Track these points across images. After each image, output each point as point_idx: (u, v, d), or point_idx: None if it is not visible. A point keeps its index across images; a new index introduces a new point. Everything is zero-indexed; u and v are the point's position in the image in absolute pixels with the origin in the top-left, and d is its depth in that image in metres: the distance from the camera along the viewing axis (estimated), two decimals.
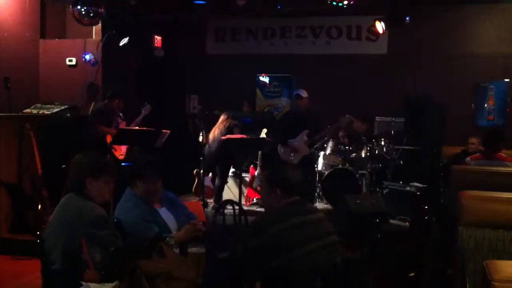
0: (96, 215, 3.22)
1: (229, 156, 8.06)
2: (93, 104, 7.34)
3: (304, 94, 7.78)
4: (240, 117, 9.23)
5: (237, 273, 3.21)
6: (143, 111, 7.39)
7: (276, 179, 3.26)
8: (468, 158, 6.28)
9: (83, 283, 2.86)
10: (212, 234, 4.20)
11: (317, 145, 8.53)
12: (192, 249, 3.45)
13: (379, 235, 5.35)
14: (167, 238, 3.47)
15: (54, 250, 3.20)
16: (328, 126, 8.22)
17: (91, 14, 6.70)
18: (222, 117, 8.49)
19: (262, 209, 7.70)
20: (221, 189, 8.41)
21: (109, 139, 6.90)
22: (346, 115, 7.91)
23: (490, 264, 2.87)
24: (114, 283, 2.83)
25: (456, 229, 3.99)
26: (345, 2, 5.34)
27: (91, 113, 7.21)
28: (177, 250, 3.45)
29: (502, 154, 6.01)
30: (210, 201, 8.57)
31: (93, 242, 3.10)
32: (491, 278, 2.74)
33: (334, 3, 5.28)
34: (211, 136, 8.33)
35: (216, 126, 8.44)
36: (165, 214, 3.97)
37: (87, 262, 3.04)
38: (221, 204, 7.44)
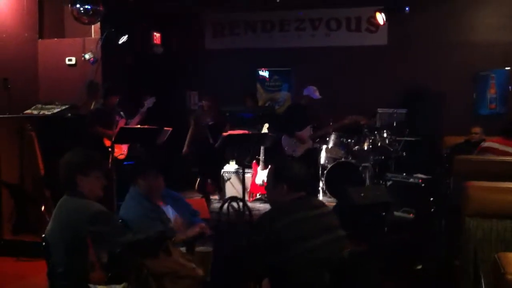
0: (95, 211, 3.18)
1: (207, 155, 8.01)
2: (93, 102, 7.30)
3: (318, 95, 7.73)
4: (241, 112, 9.20)
5: (243, 269, 3.19)
6: (146, 104, 7.24)
7: (282, 174, 3.23)
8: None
9: (91, 285, 2.84)
10: (217, 230, 4.18)
11: (319, 139, 8.52)
12: (199, 248, 3.44)
13: (385, 228, 5.33)
14: (173, 237, 3.46)
15: (57, 253, 3.17)
16: (331, 122, 8.19)
17: (90, 13, 6.65)
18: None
19: (266, 205, 7.69)
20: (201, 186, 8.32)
21: (106, 141, 6.81)
22: (354, 116, 7.88)
23: (502, 256, 2.85)
24: (122, 285, 2.81)
25: (462, 220, 3.97)
26: None
27: (88, 113, 7.14)
28: (183, 249, 3.43)
29: None
30: (214, 197, 8.55)
31: (98, 240, 3.07)
32: (504, 270, 2.71)
33: None
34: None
35: None
36: (169, 212, 3.97)
37: (93, 263, 3.02)
38: (225, 200, 7.45)
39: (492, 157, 5.55)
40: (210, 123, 7.78)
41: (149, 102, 7.19)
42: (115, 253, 3.01)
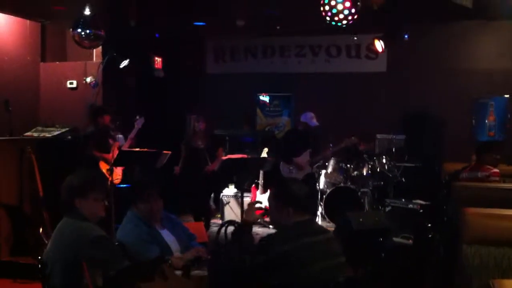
0: (95, 236, 3.18)
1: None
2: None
3: (316, 121, 7.77)
4: (240, 137, 9.20)
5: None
6: (136, 125, 7.19)
7: (288, 197, 3.22)
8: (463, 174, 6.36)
9: None
10: (215, 254, 4.17)
11: (318, 164, 8.53)
12: (195, 272, 3.43)
13: (382, 254, 5.31)
14: (170, 261, 3.45)
15: (55, 275, 3.16)
16: (331, 146, 8.22)
17: (92, 37, 6.69)
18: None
19: (265, 229, 7.67)
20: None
21: (101, 165, 6.80)
22: (352, 137, 7.89)
23: (497, 283, 2.85)
24: None
25: (459, 246, 3.96)
26: (344, 22, 5.36)
27: (83, 138, 7.04)
28: (179, 273, 3.42)
29: (489, 167, 6.05)
30: (213, 221, 8.52)
31: (94, 265, 3.06)
32: None
33: (333, 23, 5.31)
34: None
35: None
36: (166, 235, 3.96)
37: (88, 286, 3.01)
38: (223, 223, 7.39)
39: (491, 184, 5.57)
40: (201, 146, 7.67)
41: (139, 123, 7.16)
42: (110, 277, 3.00)
